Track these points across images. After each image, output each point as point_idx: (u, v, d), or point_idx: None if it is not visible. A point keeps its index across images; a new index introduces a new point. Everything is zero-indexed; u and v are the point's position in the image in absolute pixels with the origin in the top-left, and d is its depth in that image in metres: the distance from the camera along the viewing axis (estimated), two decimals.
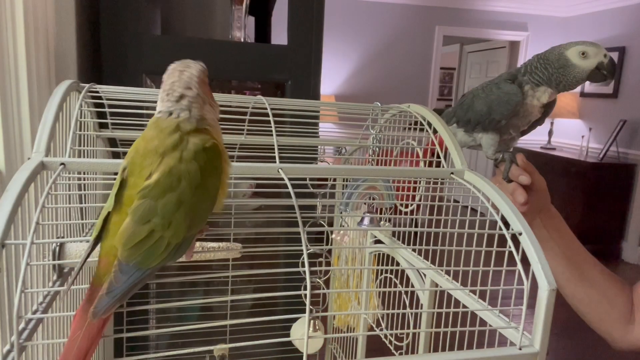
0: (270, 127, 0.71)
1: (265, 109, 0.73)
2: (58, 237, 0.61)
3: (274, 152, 0.64)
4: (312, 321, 1.03)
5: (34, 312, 0.50)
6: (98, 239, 0.44)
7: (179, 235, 0.44)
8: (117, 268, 0.41)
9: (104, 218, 0.44)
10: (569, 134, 5.31)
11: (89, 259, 0.56)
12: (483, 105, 0.80)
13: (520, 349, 0.48)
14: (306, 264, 0.44)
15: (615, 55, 4.66)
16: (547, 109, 0.83)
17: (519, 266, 0.49)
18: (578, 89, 5.13)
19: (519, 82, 0.79)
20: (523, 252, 0.51)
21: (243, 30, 1.50)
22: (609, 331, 0.84)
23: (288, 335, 1.05)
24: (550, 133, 5.30)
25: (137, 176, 0.44)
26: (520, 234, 0.52)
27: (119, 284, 0.41)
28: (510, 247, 0.52)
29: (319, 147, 1.05)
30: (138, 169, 0.44)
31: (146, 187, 0.43)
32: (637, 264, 4.43)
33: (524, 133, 0.87)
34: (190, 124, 0.46)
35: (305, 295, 0.44)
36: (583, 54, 0.74)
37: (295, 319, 1.04)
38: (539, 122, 0.85)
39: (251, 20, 1.94)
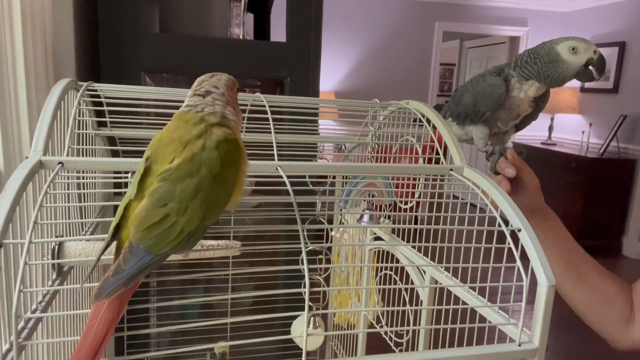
0: (270, 124, 0.71)
1: (264, 106, 0.73)
2: (57, 236, 0.61)
3: (273, 150, 0.64)
4: (312, 318, 1.03)
5: (34, 311, 0.50)
6: (117, 228, 0.44)
7: (193, 223, 0.44)
8: (127, 250, 0.41)
9: (124, 206, 0.44)
10: (569, 129, 5.30)
11: (91, 258, 0.56)
12: (470, 98, 0.81)
13: (519, 345, 0.48)
14: (305, 262, 0.44)
15: (615, 50, 4.65)
16: (540, 103, 0.82)
17: (518, 263, 0.49)
18: (578, 84, 5.13)
19: (505, 75, 0.79)
20: (522, 248, 0.51)
21: (242, 27, 1.50)
22: (608, 331, 0.84)
23: (289, 333, 1.05)
24: (550, 128, 5.29)
25: (160, 163, 0.45)
26: (519, 230, 0.52)
27: (127, 266, 0.41)
28: (509, 243, 0.52)
29: (319, 144, 1.05)
30: (161, 156, 0.45)
31: (166, 170, 0.44)
32: (638, 259, 4.43)
33: (518, 128, 0.87)
34: (214, 118, 0.48)
35: (306, 292, 0.44)
36: (573, 49, 0.74)
37: (295, 317, 1.04)
38: (532, 117, 0.84)
39: (250, 17, 1.94)
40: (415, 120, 0.83)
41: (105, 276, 0.40)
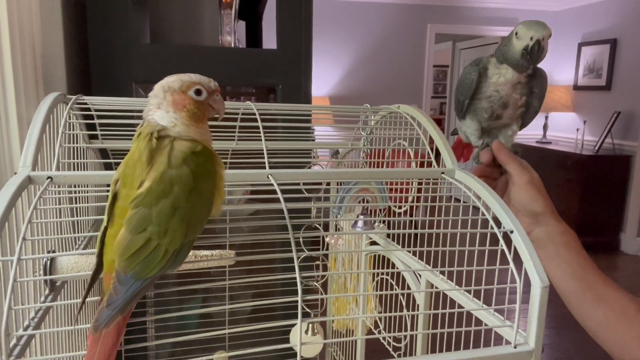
0: (263, 132, 0.71)
1: (254, 114, 0.73)
2: (49, 251, 0.61)
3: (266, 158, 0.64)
4: (311, 325, 1.03)
5: (26, 328, 0.50)
6: (101, 256, 0.44)
7: (176, 242, 0.43)
8: (115, 280, 0.41)
9: (102, 234, 0.44)
10: (564, 127, 5.32)
11: (83, 273, 0.56)
12: (455, 91, 0.81)
13: (515, 347, 0.48)
14: (296, 270, 0.44)
15: (606, 48, 4.68)
16: (534, 89, 0.78)
17: (511, 265, 0.49)
18: (571, 82, 5.15)
19: (484, 64, 0.78)
20: (516, 249, 0.51)
21: (233, 35, 1.50)
22: (633, 352, 0.73)
23: (287, 340, 1.05)
24: (545, 127, 5.31)
25: (129, 187, 0.44)
26: (511, 231, 0.52)
27: (119, 295, 0.40)
28: (502, 245, 0.52)
29: (313, 150, 1.05)
30: (129, 179, 0.44)
31: (138, 195, 0.43)
32: (636, 254, 4.43)
33: (523, 124, 0.84)
34: (166, 130, 0.46)
35: (302, 300, 0.44)
36: (516, 34, 0.72)
37: (294, 324, 1.04)
38: (532, 106, 0.81)
39: (242, 24, 1.94)
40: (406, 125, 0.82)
41: (100, 307, 0.40)
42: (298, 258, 0.45)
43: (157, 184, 0.43)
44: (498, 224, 0.54)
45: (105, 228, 0.44)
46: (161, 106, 0.47)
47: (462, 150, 0.88)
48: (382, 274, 0.93)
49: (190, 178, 0.44)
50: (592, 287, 0.75)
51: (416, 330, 0.77)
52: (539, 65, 0.78)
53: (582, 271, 0.75)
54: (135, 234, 0.42)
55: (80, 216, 0.74)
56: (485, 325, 0.56)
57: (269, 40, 1.69)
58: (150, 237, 0.42)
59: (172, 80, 0.48)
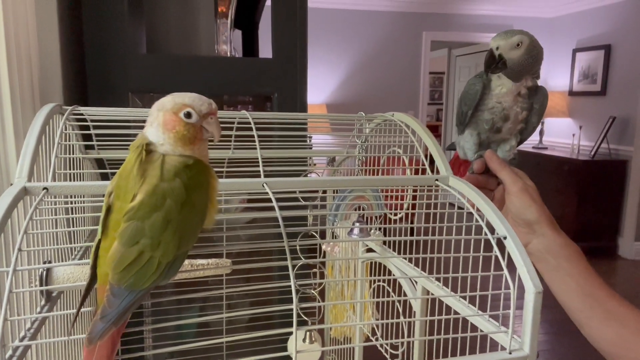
0: (259, 141, 0.71)
1: (249, 123, 0.74)
2: (45, 262, 0.61)
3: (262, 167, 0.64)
4: (308, 333, 1.03)
5: (22, 339, 0.50)
6: (95, 268, 0.44)
7: (169, 254, 0.43)
8: (109, 292, 0.41)
9: (96, 246, 0.44)
10: (560, 132, 5.34)
11: (79, 283, 0.56)
12: (458, 105, 0.82)
13: (510, 352, 0.48)
14: (292, 278, 0.44)
15: (601, 54, 4.71)
16: (535, 105, 0.79)
17: (505, 271, 0.49)
18: (566, 88, 5.18)
19: (487, 76, 0.78)
20: (510, 256, 0.51)
21: (229, 44, 1.51)
22: None
23: (285, 348, 1.05)
24: (541, 133, 5.33)
25: (122, 200, 0.44)
26: (505, 238, 0.52)
27: (112, 307, 0.41)
28: (495, 252, 0.52)
29: (309, 158, 1.06)
30: (123, 192, 0.44)
31: (131, 209, 0.43)
32: (634, 259, 4.44)
33: (522, 140, 0.85)
34: (154, 146, 0.46)
35: (300, 308, 0.44)
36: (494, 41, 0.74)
37: (291, 332, 1.04)
38: (531, 122, 0.81)
39: (238, 34, 1.95)
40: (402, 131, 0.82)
41: (94, 320, 0.41)
42: (294, 266, 0.46)
43: (149, 197, 0.43)
44: (492, 230, 0.55)
45: (99, 241, 0.44)
46: (153, 124, 0.47)
47: (459, 166, 0.88)
48: (379, 281, 0.93)
49: (183, 191, 0.44)
50: (600, 303, 0.70)
51: (413, 336, 0.78)
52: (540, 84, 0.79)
53: (588, 286, 0.71)
54: (128, 247, 0.42)
55: (76, 226, 0.74)
56: (481, 331, 0.56)
57: (265, 49, 1.70)
58: (143, 250, 0.42)
59: (167, 100, 0.48)
